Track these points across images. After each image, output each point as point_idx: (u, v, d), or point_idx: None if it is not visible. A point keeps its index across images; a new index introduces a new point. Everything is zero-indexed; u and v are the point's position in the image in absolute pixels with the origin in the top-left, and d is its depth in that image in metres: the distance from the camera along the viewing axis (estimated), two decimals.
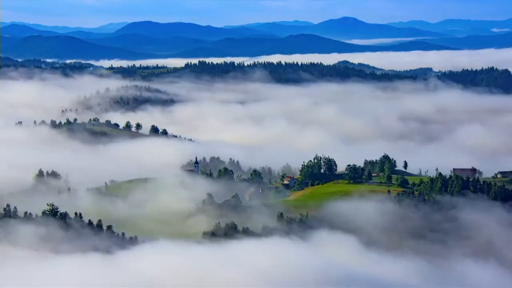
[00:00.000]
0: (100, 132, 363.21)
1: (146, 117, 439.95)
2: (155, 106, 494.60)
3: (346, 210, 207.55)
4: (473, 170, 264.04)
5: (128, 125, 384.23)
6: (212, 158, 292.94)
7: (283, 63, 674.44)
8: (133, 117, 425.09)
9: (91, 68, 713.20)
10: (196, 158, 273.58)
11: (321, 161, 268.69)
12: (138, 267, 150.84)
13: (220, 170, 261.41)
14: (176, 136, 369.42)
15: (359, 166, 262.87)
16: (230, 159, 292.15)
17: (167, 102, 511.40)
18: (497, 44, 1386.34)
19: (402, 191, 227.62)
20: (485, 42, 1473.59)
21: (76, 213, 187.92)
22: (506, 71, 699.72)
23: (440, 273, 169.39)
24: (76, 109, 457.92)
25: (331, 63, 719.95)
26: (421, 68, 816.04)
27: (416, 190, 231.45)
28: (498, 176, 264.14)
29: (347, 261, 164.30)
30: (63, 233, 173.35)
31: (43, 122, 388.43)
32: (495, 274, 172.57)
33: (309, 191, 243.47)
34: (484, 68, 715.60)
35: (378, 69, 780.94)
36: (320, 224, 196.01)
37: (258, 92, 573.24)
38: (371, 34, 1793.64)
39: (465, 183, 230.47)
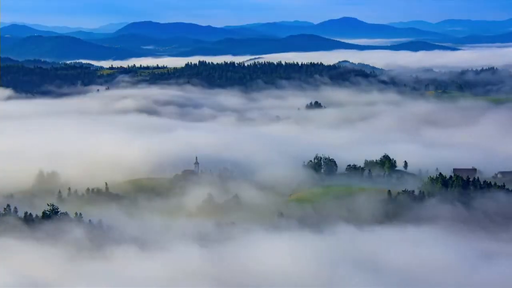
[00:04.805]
0: None
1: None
2: None
3: None
4: (474, 170, 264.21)
5: None
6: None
7: (283, 63, 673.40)
8: None
9: (91, 68, 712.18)
10: (196, 158, 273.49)
11: (321, 161, 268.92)
12: None
13: (220, 170, 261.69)
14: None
15: (359, 166, 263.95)
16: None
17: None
18: (497, 44, 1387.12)
19: (403, 190, 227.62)
20: (485, 42, 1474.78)
21: (76, 213, 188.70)
22: (507, 71, 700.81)
23: None
24: None
25: (332, 63, 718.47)
26: (421, 68, 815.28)
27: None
28: (498, 176, 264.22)
29: None
30: None
31: None
32: None
33: (309, 191, 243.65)
34: (484, 68, 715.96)
35: (378, 69, 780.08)
36: None
37: (258, 91, 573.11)
38: (371, 34, 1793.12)
39: (465, 183, 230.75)
